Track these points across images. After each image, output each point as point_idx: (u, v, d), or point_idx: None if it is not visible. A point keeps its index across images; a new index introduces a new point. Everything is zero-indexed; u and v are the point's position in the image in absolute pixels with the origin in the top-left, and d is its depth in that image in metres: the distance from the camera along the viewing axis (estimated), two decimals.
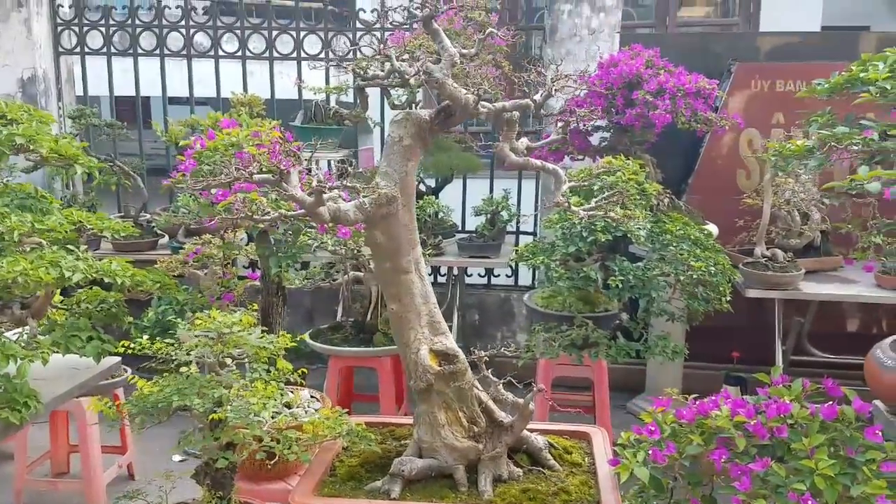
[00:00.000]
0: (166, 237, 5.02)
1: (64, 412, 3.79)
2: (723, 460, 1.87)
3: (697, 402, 2.02)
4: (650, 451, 1.96)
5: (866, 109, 2.17)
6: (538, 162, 2.13)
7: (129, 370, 3.78)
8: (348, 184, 1.94)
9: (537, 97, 2.08)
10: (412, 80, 2.01)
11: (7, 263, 1.91)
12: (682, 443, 1.95)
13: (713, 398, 2.04)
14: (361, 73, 2.52)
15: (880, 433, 1.85)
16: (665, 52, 4.28)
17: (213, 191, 2.58)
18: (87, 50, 5.41)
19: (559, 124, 2.22)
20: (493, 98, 2.24)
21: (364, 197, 2.03)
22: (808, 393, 2.01)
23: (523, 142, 2.19)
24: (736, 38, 6.90)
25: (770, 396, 1.98)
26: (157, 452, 4.17)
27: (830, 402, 1.91)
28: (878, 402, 2.21)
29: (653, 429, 2.00)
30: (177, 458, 4.18)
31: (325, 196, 1.94)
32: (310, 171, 2.54)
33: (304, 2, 5.47)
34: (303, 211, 2.06)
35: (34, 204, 2.35)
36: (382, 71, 2.65)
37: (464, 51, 2.11)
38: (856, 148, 2.04)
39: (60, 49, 5.43)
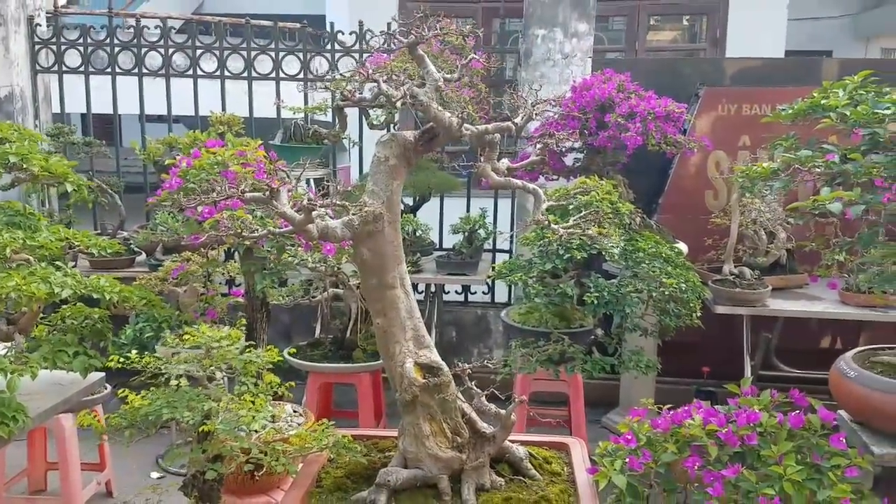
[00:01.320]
0: (143, 255, 5.03)
1: (42, 429, 3.78)
2: (696, 467, 1.96)
3: (672, 413, 2.11)
4: (627, 460, 2.04)
5: (828, 133, 2.29)
6: (519, 182, 2.22)
7: (109, 387, 3.78)
8: (337, 202, 2.01)
9: (518, 120, 2.17)
10: (398, 104, 2.08)
11: (0, 279, 1.95)
12: (657, 451, 2.04)
13: (686, 408, 2.13)
14: (342, 93, 2.60)
15: (844, 440, 1.95)
16: (636, 76, 4.42)
17: (199, 208, 2.63)
18: (64, 68, 5.43)
19: (538, 146, 2.31)
20: (472, 120, 2.32)
21: (352, 215, 2.10)
22: (776, 403, 2.11)
23: (504, 162, 2.28)
24: (704, 63, 7.12)
25: (740, 406, 2.08)
26: (134, 470, 4.17)
27: (797, 412, 2.01)
28: (842, 413, 2.32)
29: (629, 437, 2.09)
30: (155, 475, 4.18)
31: (313, 214, 2.00)
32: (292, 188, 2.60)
33: (283, 22, 5.54)
34: (291, 228, 2.13)
35: (23, 221, 2.39)
36: (363, 93, 2.75)
37: (447, 76, 2.20)
38: (818, 170, 2.16)
39: (38, 67, 5.44)
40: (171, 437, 4.45)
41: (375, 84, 2.77)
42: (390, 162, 2.19)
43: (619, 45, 8.70)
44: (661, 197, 5.00)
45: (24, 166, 2.14)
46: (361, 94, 2.84)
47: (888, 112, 1.92)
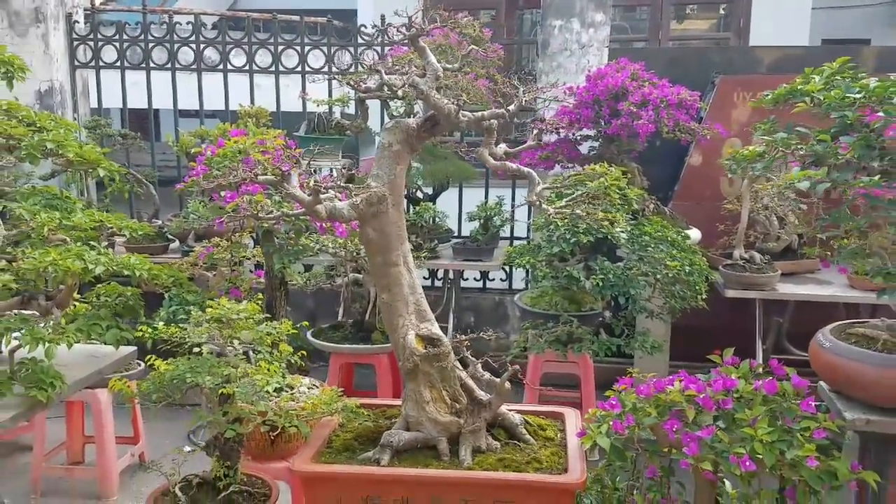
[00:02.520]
0: (177, 242, 5.27)
1: (80, 404, 4.03)
2: (675, 430, 2.09)
3: (655, 381, 2.25)
4: (612, 424, 2.19)
5: (820, 119, 2.38)
6: (514, 165, 2.37)
7: (142, 364, 4.02)
8: (342, 185, 2.18)
9: (511, 107, 2.32)
10: (400, 92, 2.25)
11: (39, 255, 2.15)
12: (640, 416, 2.18)
13: (670, 378, 2.27)
14: (357, 85, 2.77)
15: (815, 405, 2.07)
16: (652, 65, 4.52)
17: (223, 194, 2.83)
18: (101, 64, 5.69)
19: (534, 132, 2.45)
20: (476, 108, 2.48)
21: (356, 196, 2.27)
22: (755, 372, 2.24)
23: (501, 147, 2.43)
24: (721, 51, 7.15)
25: (719, 374, 2.21)
26: (167, 444, 4.40)
27: (771, 379, 2.14)
28: (822, 383, 2.43)
29: (614, 403, 2.23)
30: (187, 448, 4.41)
31: (321, 195, 2.18)
32: (311, 174, 2.78)
33: (309, 17, 5.73)
34: (303, 209, 2.30)
35: (59, 204, 2.60)
36: (374, 84, 2.92)
37: (447, 65, 2.36)
38: (801, 152, 2.27)
39: (76, 63, 5.71)
40: (203, 400, 4.69)
41: (395, 76, 2.95)
42: (394, 147, 2.35)
43: (643, 35, 8.76)
44: (677, 185, 5.09)
45: (61, 152, 2.34)
46: (374, 85, 3.02)
47: (859, 96, 2.02)
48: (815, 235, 2.26)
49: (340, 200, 2.30)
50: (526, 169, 2.35)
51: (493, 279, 5.77)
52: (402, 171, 2.39)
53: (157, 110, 6.11)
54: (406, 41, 2.63)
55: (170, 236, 5.28)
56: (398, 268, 2.40)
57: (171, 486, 2.45)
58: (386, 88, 2.34)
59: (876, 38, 11.38)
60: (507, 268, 5.54)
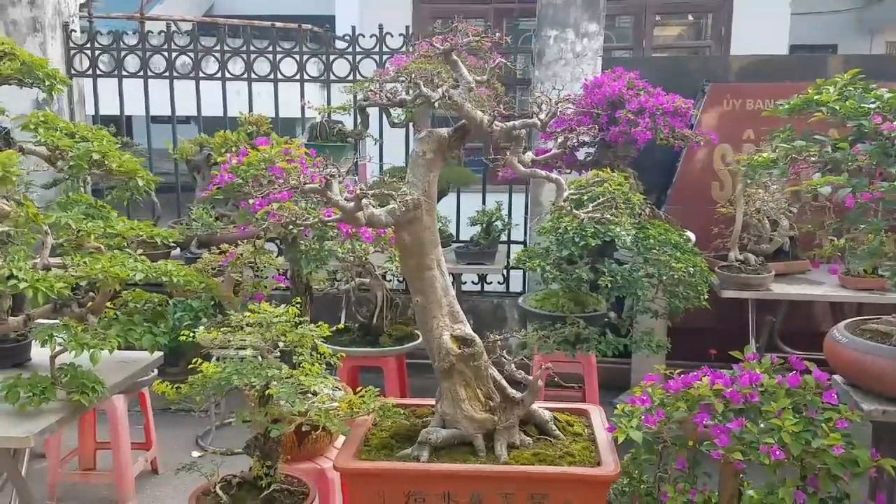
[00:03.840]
0: (178, 249, 5.30)
1: (92, 411, 4.05)
2: (704, 423, 2.21)
3: (682, 376, 2.36)
4: (642, 417, 2.30)
5: (828, 127, 2.53)
6: (543, 172, 2.48)
7: (155, 371, 4.05)
8: (385, 191, 2.27)
9: (542, 116, 2.43)
10: (437, 104, 2.34)
11: (90, 261, 2.21)
12: (669, 410, 2.29)
13: (695, 373, 2.39)
14: (380, 95, 2.86)
15: (836, 396, 2.20)
16: (644, 73, 4.67)
17: (251, 201, 2.89)
18: (98, 72, 5.70)
19: (559, 140, 2.56)
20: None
21: (394, 203, 2.36)
22: (775, 367, 2.36)
23: (528, 155, 2.54)
24: (710, 60, 7.37)
25: (743, 370, 2.33)
26: (176, 449, 4.45)
27: (794, 373, 2.27)
28: (836, 377, 2.57)
29: (644, 398, 2.35)
30: (195, 453, 4.46)
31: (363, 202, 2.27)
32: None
33: (289, 22, 5.80)
34: (337, 217, 2.39)
35: (95, 213, 2.65)
36: (385, 93, 3.02)
37: (478, 78, 2.46)
38: (813, 159, 2.41)
39: (73, 71, 5.72)
40: (211, 419, 4.73)
41: (397, 85, 3.04)
42: (428, 156, 2.45)
43: (626, 43, 8.95)
44: (670, 189, 5.24)
45: (106, 163, 2.40)
46: (394, 95, 3.11)
47: (873, 106, 2.16)
48: (826, 237, 2.39)
49: (376, 207, 2.39)
50: (555, 175, 2.46)
51: (491, 282, 5.88)
52: (435, 178, 2.48)
53: (129, 117, 6.14)
54: (431, 54, 2.74)
55: (171, 243, 5.30)
56: (432, 271, 2.49)
57: (211, 486, 2.50)
58: (421, 98, 2.43)
59: (842, 45, 11.73)
60: (504, 271, 5.65)
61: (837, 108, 2.22)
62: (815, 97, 2.31)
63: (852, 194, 2.07)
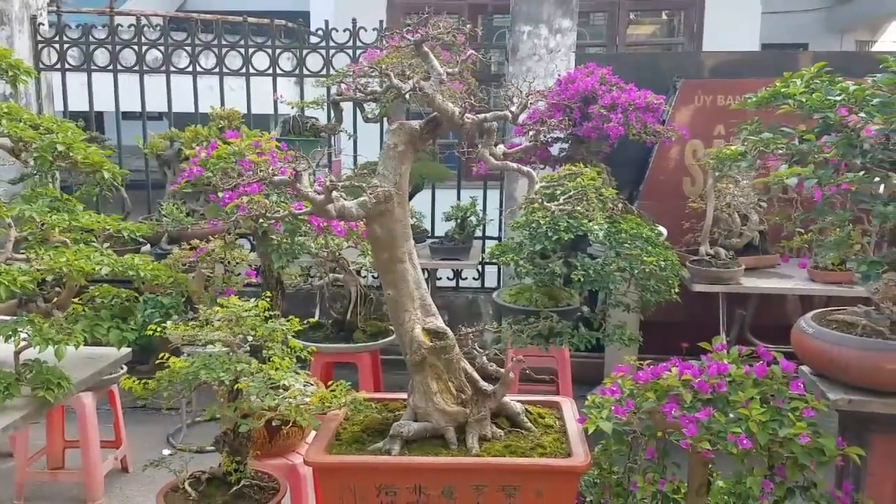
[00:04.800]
0: (148, 245, 5.23)
1: (60, 409, 3.99)
2: (673, 413, 2.22)
3: (651, 367, 2.38)
4: (612, 408, 2.31)
5: (797, 120, 2.54)
6: (514, 164, 2.48)
7: (125, 368, 4.00)
8: (355, 183, 2.25)
9: (514, 109, 2.43)
10: (407, 95, 2.33)
11: (54, 255, 2.18)
12: (639, 400, 2.30)
13: (665, 364, 2.40)
14: (347, 88, 2.84)
15: (803, 385, 2.23)
16: (617, 69, 4.69)
17: (220, 195, 2.86)
18: (67, 66, 5.62)
19: (530, 133, 2.56)
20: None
21: (365, 196, 2.35)
22: (743, 357, 2.38)
23: (500, 148, 2.54)
24: (682, 56, 7.43)
25: (712, 360, 2.35)
26: (147, 447, 4.40)
27: (761, 363, 2.29)
28: (803, 368, 2.60)
29: (614, 389, 2.36)
30: (166, 451, 4.41)
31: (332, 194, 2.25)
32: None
33: (263, 18, 5.75)
34: (308, 210, 2.37)
35: (61, 206, 2.61)
36: (360, 88, 3.01)
37: (449, 70, 2.45)
38: (781, 151, 2.44)
39: (41, 65, 5.63)
40: (182, 416, 4.69)
41: (370, 80, 3.03)
42: (399, 148, 2.44)
43: (600, 40, 8.99)
44: (642, 184, 5.27)
45: (71, 155, 2.36)
46: (365, 88, 3.10)
47: (839, 98, 2.19)
48: (793, 230, 2.42)
49: (347, 200, 2.38)
50: (526, 168, 2.46)
51: (466, 278, 5.88)
52: (407, 170, 2.47)
53: (101, 113, 6.06)
54: (401, 46, 2.73)
55: (141, 239, 5.24)
56: (404, 264, 2.48)
57: (179, 482, 2.48)
58: (392, 91, 2.41)
59: (813, 43, 11.91)
60: (479, 266, 5.66)
61: (804, 100, 2.25)
62: (783, 90, 2.33)
63: (818, 186, 2.10)
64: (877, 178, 2.20)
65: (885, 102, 2.10)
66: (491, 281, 5.88)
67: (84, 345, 2.56)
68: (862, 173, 2.06)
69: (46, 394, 2.43)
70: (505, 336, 3.87)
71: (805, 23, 12.03)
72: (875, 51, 11.96)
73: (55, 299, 2.83)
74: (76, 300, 2.96)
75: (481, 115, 2.39)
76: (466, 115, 2.37)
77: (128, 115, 5.97)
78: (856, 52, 11.48)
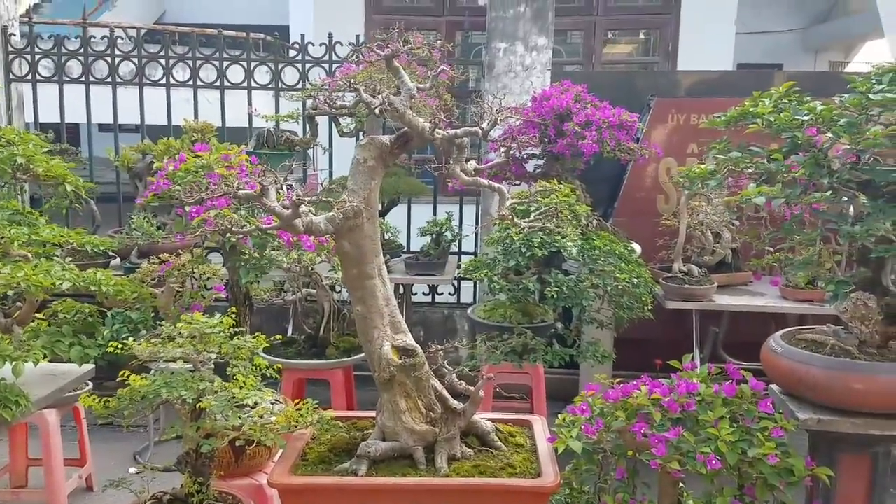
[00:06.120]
0: (118, 259, 5.16)
1: (24, 426, 3.90)
2: (643, 432, 2.21)
3: (622, 386, 2.36)
4: (583, 427, 2.28)
5: (769, 140, 2.55)
6: (486, 181, 2.46)
7: (90, 384, 3.92)
8: (323, 198, 2.22)
9: (484, 125, 2.41)
10: (377, 110, 2.31)
11: (11, 269, 2.12)
12: (608, 419, 2.28)
13: (635, 382, 2.39)
14: (314, 103, 2.82)
15: (772, 405, 2.22)
16: (592, 87, 4.71)
17: (187, 209, 2.82)
18: (39, 77, 5.54)
19: (502, 149, 2.55)
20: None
21: (334, 211, 2.32)
22: (713, 375, 2.38)
23: (471, 164, 2.52)
24: (657, 75, 7.49)
25: (681, 378, 2.34)
26: (113, 466, 4.31)
27: (731, 382, 2.28)
28: (773, 387, 2.60)
29: (584, 408, 2.34)
30: (133, 470, 4.32)
31: (300, 209, 2.22)
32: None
33: (245, 32, 5.74)
34: (276, 224, 2.34)
35: (22, 219, 2.55)
36: (336, 102, 2.99)
37: (420, 85, 2.44)
38: (750, 170, 2.44)
39: (11, 76, 5.55)
40: (150, 434, 4.60)
41: (345, 94, 3.01)
42: (369, 163, 2.41)
43: (576, 58, 9.05)
44: (617, 201, 5.29)
45: (31, 167, 2.31)
46: (335, 103, 3.08)
47: (807, 118, 2.20)
48: (763, 248, 2.42)
49: (315, 215, 2.35)
50: (497, 185, 2.44)
51: (442, 293, 5.85)
52: (377, 185, 2.45)
53: (76, 125, 5.98)
54: (371, 61, 2.71)
55: (110, 253, 5.16)
56: (373, 280, 2.45)
57: (140, 503, 2.42)
58: (362, 105, 2.39)
59: (788, 63, 12.08)
60: (455, 282, 5.64)
61: (773, 119, 2.25)
62: (752, 109, 2.34)
63: (786, 205, 2.10)
64: (845, 198, 2.22)
65: (851, 122, 2.11)
66: (467, 296, 5.85)
67: (46, 361, 2.49)
68: (829, 193, 2.07)
69: (3, 412, 2.36)
70: (479, 353, 3.85)
71: (780, 43, 12.20)
72: (846, 71, 12.17)
73: (16, 314, 2.77)
74: (39, 315, 2.89)
75: (452, 131, 2.37)
76: (437, 130, 2.35)
77: (105, 128, 5.91)
78: (829, 72, 11.65)
